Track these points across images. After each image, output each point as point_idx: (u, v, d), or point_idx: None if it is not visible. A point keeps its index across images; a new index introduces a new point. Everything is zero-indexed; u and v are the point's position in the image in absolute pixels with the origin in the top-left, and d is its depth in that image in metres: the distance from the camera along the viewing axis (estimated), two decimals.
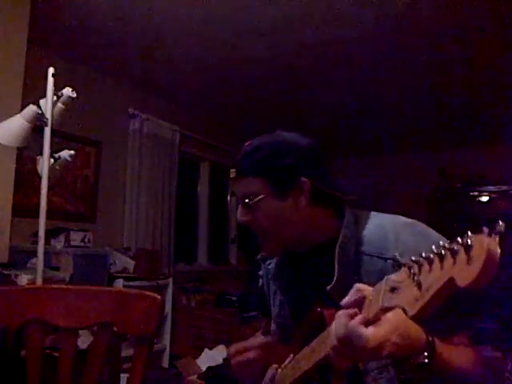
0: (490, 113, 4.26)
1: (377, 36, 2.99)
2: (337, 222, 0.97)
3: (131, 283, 3.13)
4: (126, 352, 2.53)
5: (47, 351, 1.45)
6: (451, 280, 0.49)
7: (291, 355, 0.94)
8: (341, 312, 0.68)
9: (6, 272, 2.24)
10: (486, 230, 0.48)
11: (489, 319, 2.90)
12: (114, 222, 3.70)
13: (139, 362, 0.99)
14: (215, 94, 4.10)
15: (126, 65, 3.51)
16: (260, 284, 1.23)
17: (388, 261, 0.89)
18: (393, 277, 0.60)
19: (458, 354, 0.76)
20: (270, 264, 1.14)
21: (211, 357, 3.50)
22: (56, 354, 1.07)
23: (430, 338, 0.69)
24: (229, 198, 5.42)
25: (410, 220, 0.96)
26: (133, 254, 3.48)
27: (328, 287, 0.90)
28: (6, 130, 1.70)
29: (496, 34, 2.90)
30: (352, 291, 0.68)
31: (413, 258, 0.56)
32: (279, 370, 0.98)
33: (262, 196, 0.96)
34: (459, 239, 0.49)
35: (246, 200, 0.98)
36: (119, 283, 3.08)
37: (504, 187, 5.01)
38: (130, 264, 3.32)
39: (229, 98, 4.22)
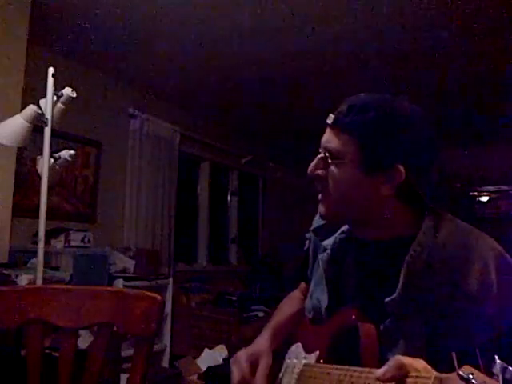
0: (490, 113, 4.26)
1: (376, 36, 2.99)
2: (413, 221, 0.86)
3: (131, 283, 3.13)
4: (126, 352, 2.55)
5: (47, 351, 1.45)
6: None
7: (317, 352, 0.87)
8: None
9: (5, 272, 2.24)
10: None
11: None
12: (114, 222, 3.70)
13: (139, 362, 0.99)
14: (215, 94, 4.10)
15: (126, 65, 3.51)
16: (306, 247, 1.10)
17: (458, 289, 0.77)
18: (443, 377, 0.52)
19: None
20: (323, 240, 1.00)
21: (211, 357, 3.50)
22: (56, 354, 1.07)
23: None
24: (229, 197, 5.42)
25: (499, 248, 0.81)
26: (133, 254, 3.48)
27: (386, 299, 0.80)
28: (6, 129, 1.70)
29: (496, 35, 2.89)
30: (392, 364, 0.57)
31: (472, 376, 0.47)
32: (303, 361, 0.90)
33: (348, 159, 0.83)
34: None
35: (328, 154, 0.86)
36: (119, 283, 3.08)
37: (504, 187, 5.01)
38: (130, 264, 3.32)
39: (229, 98, 4.21)
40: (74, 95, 1.81)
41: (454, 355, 0.59)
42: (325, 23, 2.84)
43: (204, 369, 3.30)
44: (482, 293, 0.76)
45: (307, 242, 1.10)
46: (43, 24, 2.73)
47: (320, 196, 0.91)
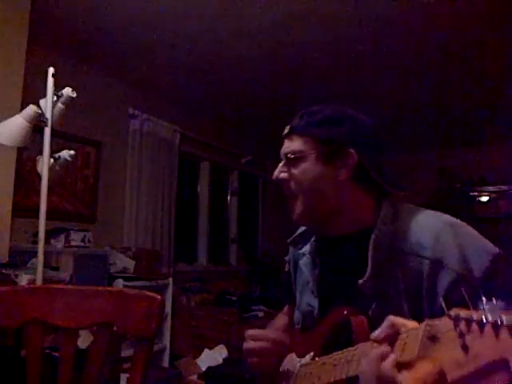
0: (490, 113, 4.26)
1: (377, 36, 2.99)
2: (375, 213, 0.94)
3: (131, 283, 3.13)
4: (126, 352, 2.55)
5: (47, 351, 1.45)
6: (505, 361, 0.44)
7: (311, 353, 0.91)
8: (373, 353, 0.63)
9: (5, 272, 2.24)
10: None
11: None
12: (114, 222, 3.70)
13: (139, 362, 0.99)
14: (215, 94, 4.10)
15: (126, 65, 3.51)
16: (286, 269, 1.19)
17: (425, 260, 0.84)
18: (435, 323, 0.54)
19: None
20: (301, 248, 1.09)
21: (211, 357, 3.50)
22: (56, 354, 1.07)
23: None
24: (229, 198, 5.42)
25: (455, 220, 0.90)
26: (133, 254, 3.48)
27: (359, 281, 0.87)
28: (6, 129, 1.70)
29: (496, 35, 2.90)
30: (385, 325, 0.63)
31: (461, 314, 0.49)
32: (298, 365, 0.94)
33: (306, 154, 0.95)
34: None
35: (290, 155, 0.96)
36: (119, 283, 3.08)
37: (504, 187, 5.01)
38: (130, 264, 3.32)
39: (229, 98, 4.22)
40: (74, 95, 1.81)
41: (442, 300, 0.65)
42: (325, 23, 2.85)
43: (204, 369, 3.30)
44: (442, 257, 0.83)
45: (286, 264, 1.19)
46: (43, 24, 2.74)
47: (289, 203, 1.00)
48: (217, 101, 4.30)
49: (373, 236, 0.89)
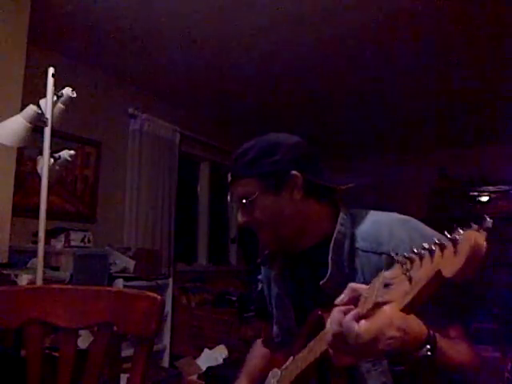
0: (490, 113, 4.27)
1: (377, 37, 2.99)
2: (333, 220, 0.99)
3: (131, 283, 3.12)
4: (126, 352, 2.54)
5: (47, 351, 1.45)
6: (438, 272, 0.52)
7: (291, 358, 0.95)
8: (335, 309, 0.69)
9: (5, 272, 2.24)
10: (474, 225, 0.51)
11: (489, 319, 2.90)
12: (114, 222, 3.70)
13: (139, 362, 0.99)
14: (215, 94, 4.10)
15: (126, 65, 3.51)
16: (259, 288, 1.25)
17: (382, 255, 0.90)
18: (387, 273, 0.62)
19: (455, 347, 0.78)
20: (271, 266, 1.14)
21: (211, 357, 3.50)
22: (56, 354, 1.07)
23: (431, 332, 0.70)
24: (229, 198, 5.41)
25: (404, 216, 0.98)
26: (133, 254, 3.48)
27: (321, 282, 0.92)
28: (6, 129, 1.70)
29: (495, 35, 2.90)
30: (346, 290, 0.70)
31: (405, 254, 0.57)
32: (279, 372, 0.99)
33: (256, 194, 0.99)
34: (448, 234, 0.52)
35: (243, 201, 1.01)
36: (119, 283, 3.08)
37: (504, 187, 5.01)
38: (130, 264, 3.32)
39: (229, 98, 4.22)
40: (74, 95, 1.81)
41: (393, 254, 0.69)
42: (325, 22, 2.85)
43: (204, 369, 3.30)
44: (396, 250, 0.86)
45: (259, 284, 1.25)
46: (43, 24, 2.74)
47: (259, 236, 1.05)
48: (217, 101, 4.30)
49: (332, 240, 0.95)
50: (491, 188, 5.11)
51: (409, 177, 5.51)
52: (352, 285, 0.70)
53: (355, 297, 0.68)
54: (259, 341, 1.29)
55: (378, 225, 0.96)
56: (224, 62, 3.45)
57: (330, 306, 0.88)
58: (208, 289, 4.29)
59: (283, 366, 0.98)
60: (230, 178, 1.05)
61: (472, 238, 0.50)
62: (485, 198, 5.20)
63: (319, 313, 0.88)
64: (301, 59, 3.37)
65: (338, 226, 0.97)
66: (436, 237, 0.84)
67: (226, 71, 3.62)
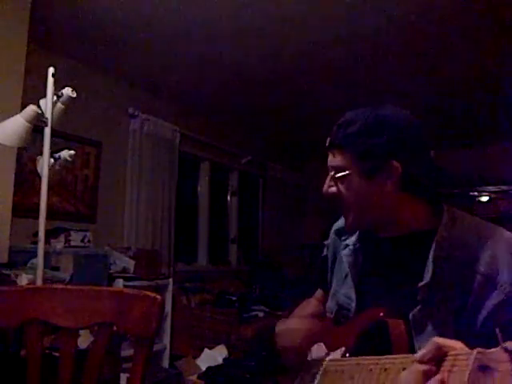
0: (490, 113, 4.26)
1: (378, 37, 2.99)
2: (430, 216, 0.92)
3: (131, 283, 3.12)
4: (126, 352, 2.55)
5: (47, 351, 1.45)
6: None
7: (343, 348, 0.87)
8: (415, 366, 0.58)
9: (5, 272, 2.24)
10: None
11: None
12: (114, 222, 3.70)
13: (139, 362, 0.99)
14: (215, 94, 4.10)
15: (126, 65, 3.51)
16: (324, 253, 1.17)
17: (477, 275, 0.81)
18: (488, 352, 0.49)
19: None
20: (345, 239, 1.07)
21: (211, 357, 3.50)
22: (56, 354, 1.07)
23: None
24: (229, 197, 5.42)
25: (511, 235, 0.87)
26: (133, 254, 3.48)
27: (420, 284, 0.84)
28: (6, 129, 1.70)
29: (495, 35, 2.90)
30: (431, 346, 0.57)
31: None
32: (327, 359, 0.89)
33: (348, 172, 0.93)
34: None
35: (333, 173, 0.95)
36: (119, 283, 3.08)
37: (504, 187, 5.01)
38: (130, 264, 3.32)
39: (229, 98, 4.21)
40: (74, 95, 1.81)
41: (498, 330, 0.62)
42: (325, 23, 2.84)
43: (204, 369, 3.30)
44: (493, 276, 0.80)
45: (325, 248, 1.17)
46: (43, 24, 2.73)
47: (342, 212, 0.99)
48: (217, 101, 4.30)
49: (436, 237, 0.87)
50: (491, 188, 5.11)
51: None
52: (438, 340, 0.57)
53: (439, 357, 0.55)
54: (310, 300, 1.22)
55: (482, 238, 0.85)
56: (224, 62, 3.45)
57: (400, 305, 0.82)
58: (208, 289, 4.29)
59: (332, 354, 0.89)
60: (327, 143, 0.97)
61: None
62: (485, 198, 5.20)
63: (381, 314, 0.82)
64: (303, 59, 3.37)
65: (442, 228, 0.88)
66: None
67: (226, 71, 3.62)
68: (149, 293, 1.04)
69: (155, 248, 3.86)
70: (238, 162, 5.28)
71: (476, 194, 5.20)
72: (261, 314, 4.02)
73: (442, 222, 0.89)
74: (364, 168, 0.91)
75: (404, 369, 0.61)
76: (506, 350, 0.47)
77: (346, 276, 1.03)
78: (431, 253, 0.86)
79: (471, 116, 4.42)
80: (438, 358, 0.55)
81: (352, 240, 1.05)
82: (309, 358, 0.96)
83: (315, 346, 0.96)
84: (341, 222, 1.09)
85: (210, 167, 4.97)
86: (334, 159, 0.95)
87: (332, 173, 0.96)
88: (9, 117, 1.73)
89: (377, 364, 0.70)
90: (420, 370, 0.56)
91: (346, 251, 1.05)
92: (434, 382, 0.53)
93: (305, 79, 3.75)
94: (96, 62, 3.45)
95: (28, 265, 2.52)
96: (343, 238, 1.08)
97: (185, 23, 2.87)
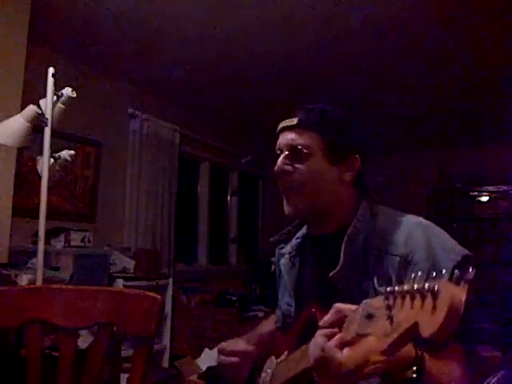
0: (490, 113, 4.26)
1: (376, 36, 2.99)
2: (353, 212, 0.97)
3: (131, 283, 3.13)
4: (126, 352, 2.54)
5: (47, 351, 1.45)
6: (415, 325, 0.50)
7: (286, 352, 0.94)
8: (318, 332, 0.67)
9: (5, 272, 2.24)
10: (457, 272, 0.49)
11: (489, 319, 2.90)
12: (114, 222, 3.70)
13: (139, 362, 0.99)
14: (215, 93, 4.10)
15: (126, 65, 3.51)
16: (272, 270, 1.23)
17: (396, 258, 0.87)
18: (371, 302, 0.60)
19: (445, 368, 0.74)
20: (282, 248, 1.13)
21: (211, 357, 3.49)
22: (56, 354, 1.07)
23: (419, 353, 0.67)
24: (229, 197, 5.42)
25: (426, 221, 0.94)
26: (133, 254, 3.48)
27: (330, 274, 0.90)
28: (6, 129, 1.70)
29: (496, 35, 2.89)
30: (332, 311, 0.68)
31: (388, 289, 0.55)
32: (274, 363, 0.98)
33: (314, 151, 0.96)
34: (427, 285, 0.49)
35: (299, 147, 0.96)
36: (119, 283, 3.08)
37: (504, 187, 5.01)
38: (130, 264, 3.32)
39: (229, 97, 4.22)
40: (74, 95, 1.81)
41: (375, 279, 0.70)
42: (325, 23, 2.84)
43: (204, 369, 3.30)
44: (411, 255, 0.86)
45: (272, 265, 1.24)
46: (43, 24, 2.73)
47: (285, 196, 1.00)
48: (217, 101, 4.30)
49: (348, 232, 0.93)
50: (491, 188, 5.11)
51: (408, 177, 5.51)
52: (338, 305, 0.68)
53: (340, 318, 0.66)
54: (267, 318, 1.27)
55: (397, 225, 0.92)
56: (224, 62, 3.45)
57: (332, 300, 0.87)
58: (208, 289, 4.29)
59: (278, 359, 0.97)
60: (294, 122, 0.98)
61: (451, 295, 0.46)
62: (485, 198, 5.20)
63: (313, 310, 0.87)
64: (302, 60, 3.37)
65: (355, 221, 0.94)
66: (460, 252, 0.84)
67: (226, 71, 3.62)
68: (149, 293, 1.04)
69: (155, 248, 3.86)
70: (238, 162, 5.28)
71: (476, 193, 5.20)
72: (261, 314, 4.01)
73: (357, 214, 0.95)
74: (330, 154, 0.96)
75: None
76: (383, 293, 0.56)
77: (285, 284, 1.08)
78: (343, 244, 0.91)
79: (471, 116, 4.42)
80: (339, 321, 0.66)
81: (287, 249, 1.10)
82: (262, 373, 1.03)
83: (267, 360, 1.02)
84: (277, 236, 1.14)
85: (209, 167, 4.97)
86: (298, 138, 0.97)
87: (287, 152, 0.98)
88: (9, 117, 1.73)
89: (304, 350, 0.80)
90: (322, 334, 0.66)
91: (282, 260, 1.10)
92: (332, 342, 0.63)
93: (308, 79, 3.75)
94: (96, 62, 3.44)
95: (28, 265, 2.52)
96: (280, 247, 1.13)
97: (185, 23, 2.87)
